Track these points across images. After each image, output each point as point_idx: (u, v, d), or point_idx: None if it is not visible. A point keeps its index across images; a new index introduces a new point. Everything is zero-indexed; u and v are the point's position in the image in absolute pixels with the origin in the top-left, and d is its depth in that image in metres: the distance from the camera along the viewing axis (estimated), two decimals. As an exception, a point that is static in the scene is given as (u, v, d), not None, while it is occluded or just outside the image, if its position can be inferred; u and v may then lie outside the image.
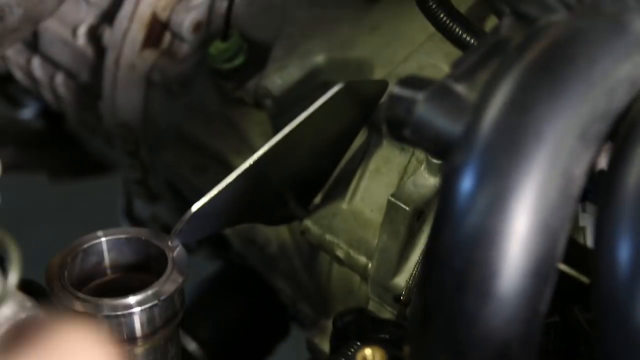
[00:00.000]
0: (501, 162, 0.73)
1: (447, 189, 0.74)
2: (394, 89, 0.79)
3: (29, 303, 0.77)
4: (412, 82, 0.79)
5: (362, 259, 1.11)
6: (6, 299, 0.73)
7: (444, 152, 0.77)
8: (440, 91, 0.78)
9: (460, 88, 0.78)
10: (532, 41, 0.78)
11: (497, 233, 0.72)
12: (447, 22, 1.09)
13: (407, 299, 1.05)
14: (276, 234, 1.27)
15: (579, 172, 0.74)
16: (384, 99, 1.11)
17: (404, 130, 0.78)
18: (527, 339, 0.73)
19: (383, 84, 1.11)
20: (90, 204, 1.91)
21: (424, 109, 0.77)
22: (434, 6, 1.09)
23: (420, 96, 0.78)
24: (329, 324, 1.13)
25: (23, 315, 0.76)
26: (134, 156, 1.44)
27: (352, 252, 1.11)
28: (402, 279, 1.07)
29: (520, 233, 0.72)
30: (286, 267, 1.27)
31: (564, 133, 0.73)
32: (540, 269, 0.72)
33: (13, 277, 0.70)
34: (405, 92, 0.78)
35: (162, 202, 1.50)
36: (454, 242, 0.73)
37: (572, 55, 0.76)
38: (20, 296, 0.77)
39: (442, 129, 0.77)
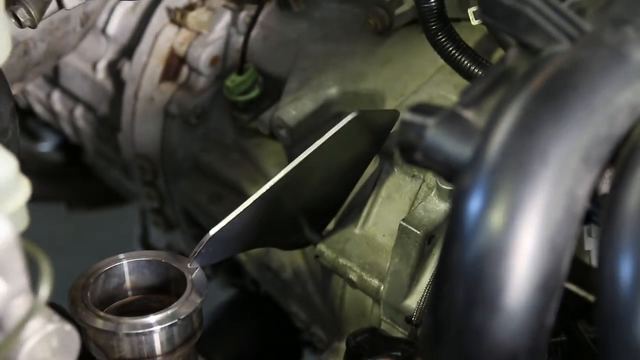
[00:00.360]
0: (508, 182, 0.76)
1: (457, 208, 0.78)
2: (405, 115, 0.83)
3: (56, 317, 0.80)
4: (422, 108, 0.83)
5: (375, 282, 1.14)
6: (35, 312, 0.76)
7: (454, 174, 0.80)
8: (449, 117, 0.82)
9: (468, 114, 0.82)
10: (537, 70, 0.82)
11: (505, 250, 0.75)
12: (456, 54, 1.13)
13: (418, 320, 1.09)
14: (290, 260, 1.30)
15: (583, 193, 0.77)
16: (395, 127, 1.15)
17: (415, 154, 0.82)
18: (534, 351, 0.76)
19: (394, 114, 1.15)
20: (107, 233, 1.94)
21: (434, 133, 0.81)
22: (443, 40, 1.13)
23: (430, 122, 0.81)
24: (342, 346, 1.16)
25: (50, 328, 0.79)
26: (152, 186, 1.48)
27: (364, 275, 1.15)
28: (413, 301, 1.10)
29: (527, 250, 0.75)
30: (300, 291, 1.30)
31: (568, 155, 0.77)
32: (547, 284, 0.76)
33: (44, 291, 0.74)
34: (416, 118, 0.82)
35: (178, 231, 1.54)
36: (464, 258, 0.76)
37: (575, 83, 0.80)
38: (48, 311, 0.80)
39: (451, 152, 0.80)
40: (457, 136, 0.81)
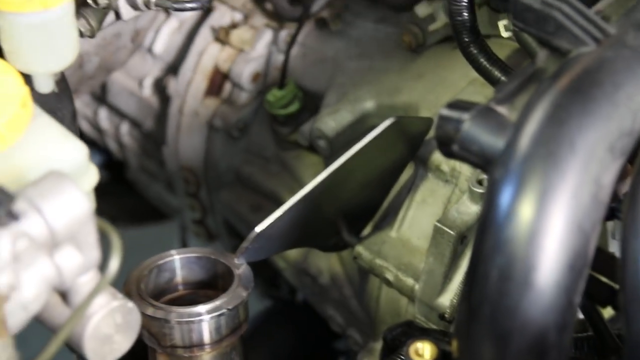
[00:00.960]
0: (539, 169, 0.82)
1: (491, 194, 0.83)
2: (443, 110, 0.89)
3: (119, 294, 0.86)
4: (459, 104, 0.89)
5: (410, 281, 1.20)
6: (104, 287, 0.82)
7: (489, 164, 0.87)
8: (484, 112, 0.88)
9: (502, 109, 0.88)
10: (565, 69, 0.88)
11: (536, 231, 0.81)
12: (488, 66, 1.19)
13: (451, 317, 1.14)
14: (328, 265, 1.36)
15: (608, 181, 0.83)
16: (430, 135, 1.21)
17: (452, 146, 0.88)
18: (563, 327, 0.82)
19: (429, 121, 1.21)
20: (148, 248, 2.00)
21: (470, 127, 0.87)
22: (475, 52, 1.19)
23: (466, 116, 0.88)
24: (377, 346, 1.21)
25: (115, 304, 0.85)
26: (195, 197, 1.55)
27: (400, 275, 1.21)
28: (446, 299, 1.16)
29: (556, 232, 0.81)
30: (337, 295, 1.36)
31: (595, 145, 0.82)
32: (575, 264, 0.81)
33: (114, 265, 0.80)
34: (453, 113, 0.88)
35: (219, 242, 1.60)
36: (499, 239, 0.82)
37: (600, 80, 0.86)
38: (112, 288, 0.86)
39: (486, 144, 0.87)
40: (492, 129, 0.87)
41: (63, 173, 0.77)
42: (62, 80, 1.06)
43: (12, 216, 0.73)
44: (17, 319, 0.75)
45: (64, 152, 0.84)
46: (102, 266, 0.84)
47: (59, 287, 0.78)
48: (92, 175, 0.86)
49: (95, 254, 0.80)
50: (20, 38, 0.96)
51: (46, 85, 0.99)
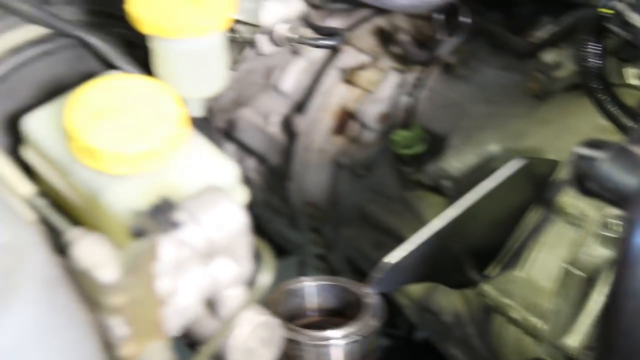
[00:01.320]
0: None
1: (628, 232, 0.86)
2: (579, 149, 0.92)
3: (265, 311, 0.90)
4: (594, 143, 0.93)
5: (536, 321, 1.22)
6: (254, 301, 0.86)
7: (623, 201, 0.89)
8: (620, 151, 0.91)
9: (636, 149, 0.91)
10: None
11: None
12: (616, 112, 1.21)
13: (578, 357, 1.15)
14: (450, 303, 1.38)
15: None
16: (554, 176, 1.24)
17: (588, 183, 0.91)
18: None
19: (553, 164, 1.23)
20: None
21: (607, 165, 0.91)
22: (604, 98, 1.21)
23: (602, 155, 0.91)
24: (501, 385, 1.23)
25: (262, 319, 0.89)
26: (318, 232, 1.59)
27: (526, 314, 1.23)
28: (573, 339, 1.17)
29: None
30: (460, 333, 1.38)
31: None
32: None
33: (265, 281, 0.84)
34: (590, 152, 0.92)
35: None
36: (635, 276, 0.84)
37: None
38: (256, 304, 0.90)
39: (621, 182, 0.90)
40: (627, 168, 0.90)
41: (220, 188, 0.81)
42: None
43: (174, 225, 0.78)
44: (174, 323, 0.80)
45: (217, 171, 0.89)
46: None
47: (212, 296, 0.83)
48: (242, 194, 0.91)
49: (248, 267, 0.84)
50: (173, 63, 1.02)
51: (197, 110, 1.04)
